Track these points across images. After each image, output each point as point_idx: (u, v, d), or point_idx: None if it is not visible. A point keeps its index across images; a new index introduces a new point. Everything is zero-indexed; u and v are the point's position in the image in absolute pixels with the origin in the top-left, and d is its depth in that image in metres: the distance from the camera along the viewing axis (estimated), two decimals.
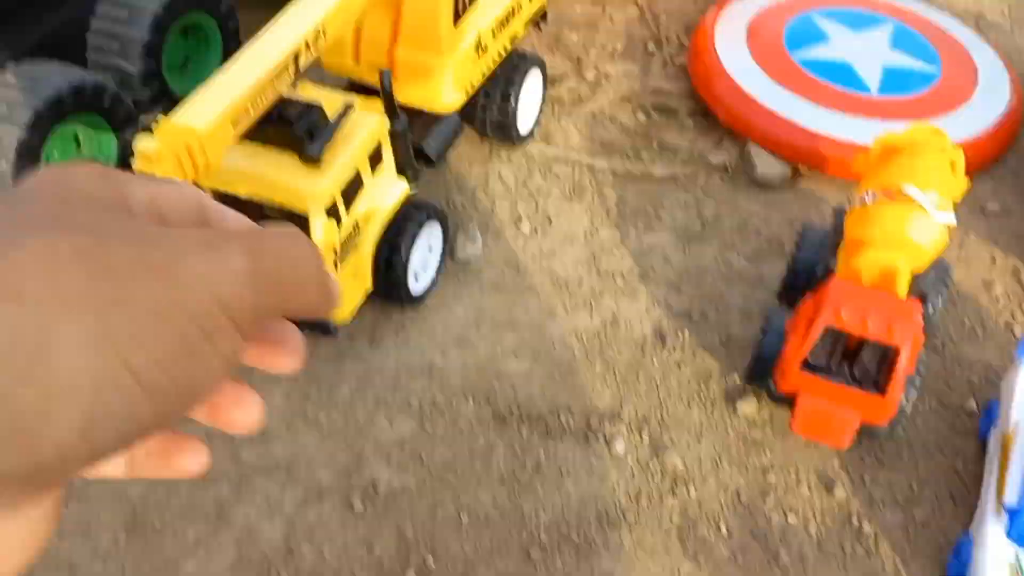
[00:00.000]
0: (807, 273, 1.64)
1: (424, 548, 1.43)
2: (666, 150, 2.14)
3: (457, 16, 1.83)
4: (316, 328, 1.60)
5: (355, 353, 1.72)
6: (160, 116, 1.37)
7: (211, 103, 1.40)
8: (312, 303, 0.39)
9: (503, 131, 2.08)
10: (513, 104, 2.03)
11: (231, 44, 2.18)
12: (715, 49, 2.20)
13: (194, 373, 0.34)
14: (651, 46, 2.42)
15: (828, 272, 1.51)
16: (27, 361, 0.29)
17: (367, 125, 1.62)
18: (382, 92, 1.67)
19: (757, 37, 2.21)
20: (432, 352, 1.72)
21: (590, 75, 2.34)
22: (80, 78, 1.79)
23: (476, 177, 2.10)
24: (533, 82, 2.12)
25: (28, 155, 1.72)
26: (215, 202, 0.42)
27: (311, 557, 1.43)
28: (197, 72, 2.09)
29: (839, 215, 1.68)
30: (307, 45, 1.56)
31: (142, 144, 1.33)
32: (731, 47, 2.19)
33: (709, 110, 2.18)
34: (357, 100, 1.68)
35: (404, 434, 1.58)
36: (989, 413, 1.45)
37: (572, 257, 1.92)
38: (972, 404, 1.53)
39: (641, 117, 2.23)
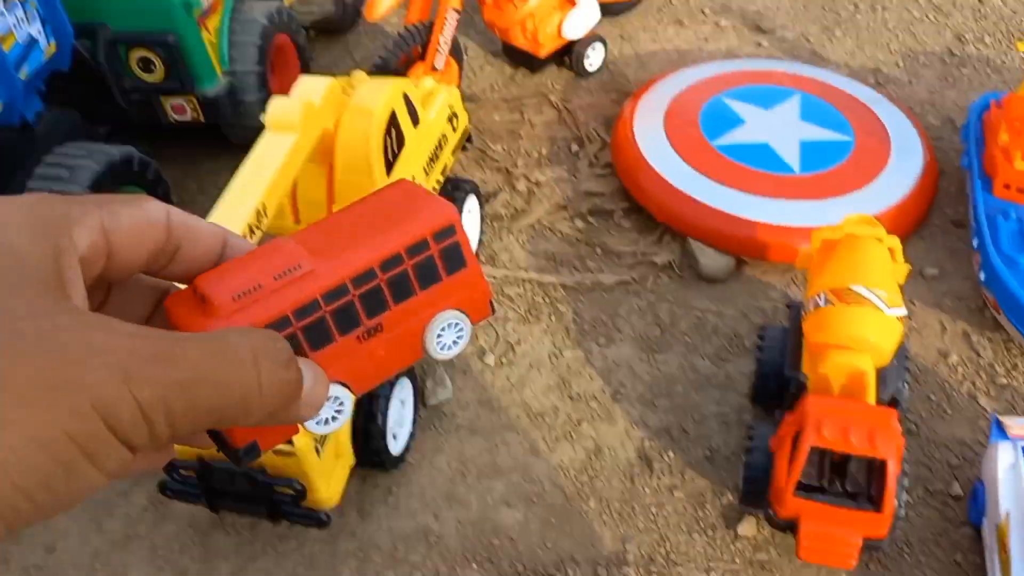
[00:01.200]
0: (775, 376, 1.68)
1: None
2: (610, 255, 2.17)
3: (389, 166, 1.83)
4: (308, 520, 1.56)
5: (348, 529, 1.68)
6: None
7: None
8: (249, 422, 0.39)
9: None
10: None
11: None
12: (637, 144, 2.24)
13: (67, 491, 0.34)
14: (574, 147, 2.46)
15: (800, 385, 1.55)
16: None
17: None
18: None
19: (675, 128, 2.26)
20: (424, 515, 1.70)
21: (521, 186, 2.36)
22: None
23: None
24: (471, 207, 2.13)
25: None
26: (185, 218, 0.43)
27: None
28: None
29: (794, 310, 1.73)
30: (251, 229, 1.54)
31: None
32: (652, 141, 2.24)
33: (643, 207, 2.22)
34: None
35: None
36: (976, 497, 1.50)
37: (542, 384, 1.93)
38: (957, 487, 1.58)
39: (579, 223, 2.26)
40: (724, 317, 2.01)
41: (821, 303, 1.52)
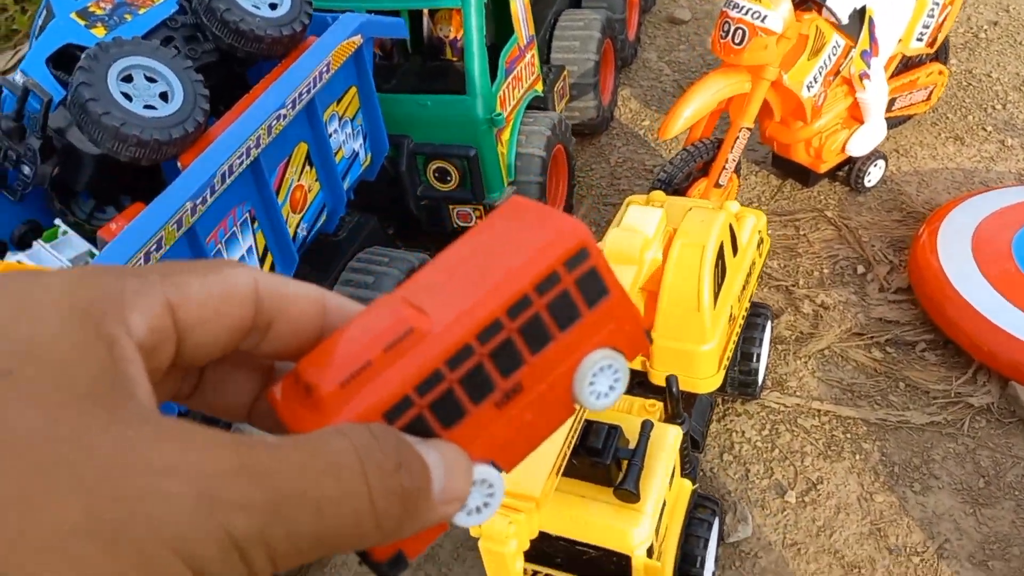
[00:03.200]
0: None
1: None
2: (916, 391, 2.04)
3: (714, 298, 1.78)
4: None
5: None
6: None
7: (539, 462, 1.34)
8: (359, 545, 0.30)
9: (745, 388, 2.00)
10: (756, 362, 1.96)
11: None
12: (945, 275, 2.11)
13: None
14: (860, 268, 2.35)
15: None
16: None
17: (667, 441, 1.54)
18: (669, 396, 1.61)
19: (987, 260, 2.12)
20: None
21: (807, 307, 2.26)
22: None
23: (717, 437, 2.02)
24: (768, 332, 2.05)
25: None
26: (278, 284, 0.34)
27: None
28: None
29: None
30: None
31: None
32: (962, 273, 2.11)
33: (951, 341, 2.08)
34: (641, 403, 1.63)
35: None
36: None
37: (853, 532, 1.80)
38: None
39: (876, 353, 2.13)
40: None
41: None
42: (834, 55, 2.28)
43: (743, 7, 2.12)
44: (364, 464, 0.30)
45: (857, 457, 1.93)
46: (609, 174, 2.82)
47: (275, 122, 1.66)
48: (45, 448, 0.25)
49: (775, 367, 2.14)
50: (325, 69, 1.78)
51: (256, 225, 1.74)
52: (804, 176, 2.59)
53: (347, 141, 1.98)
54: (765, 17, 2.10)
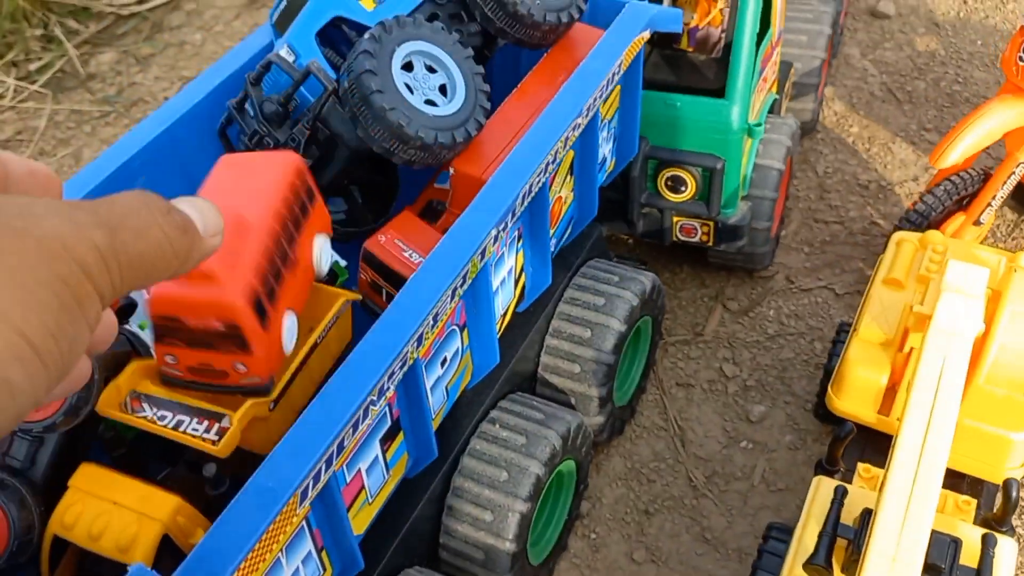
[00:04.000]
0: None
1: None
2: None
3: None
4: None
5: None
6: None
7: None
8: (169, 269, 0.40)
9: None
10: None
11: (656, 337, 2.00)
12: None
13: (74, 338, 0.34)
14: None
15: None
16: None
17: (1004, 557, 1.33)
18: (1005, 500, 1.40)
19: None
20: None
21: None
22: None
23: None
24: None
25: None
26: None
27: None
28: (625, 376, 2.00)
29: None
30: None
31: None
32: None
33: None
34: (955, 500, 1.42)
35: None
36: None
37: None
38: None
39: None
40: None
41: None
42: None
43: None
44: (149, 208, 0.40)
45: None
46: (818, 186, 2.57)
47: (571, 133, 1.43)
48: None
49: None
50: (617, 70, 1.54)
51: (520, 243, 1.52)
52: None
53: (601, 145, 1.74)
54: None
